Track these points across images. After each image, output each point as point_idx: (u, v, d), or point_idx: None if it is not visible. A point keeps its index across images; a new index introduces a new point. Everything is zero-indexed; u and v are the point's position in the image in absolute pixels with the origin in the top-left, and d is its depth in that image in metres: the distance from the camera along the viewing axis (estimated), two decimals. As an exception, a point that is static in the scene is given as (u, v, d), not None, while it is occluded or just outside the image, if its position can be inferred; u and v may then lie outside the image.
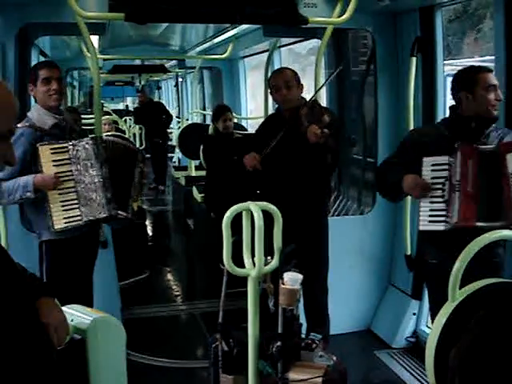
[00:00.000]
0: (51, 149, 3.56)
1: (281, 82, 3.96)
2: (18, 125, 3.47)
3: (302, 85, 4.04)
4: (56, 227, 3.56)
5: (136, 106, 13.43)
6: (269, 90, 4.20)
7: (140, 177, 3.93)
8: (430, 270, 3.19)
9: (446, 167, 3.18)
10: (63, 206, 3.58)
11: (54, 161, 3.56)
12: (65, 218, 3.59)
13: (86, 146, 3.66)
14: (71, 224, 3.61)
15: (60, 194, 3.58)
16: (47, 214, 3.55)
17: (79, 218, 3.64)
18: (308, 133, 3.70)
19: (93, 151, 3.66)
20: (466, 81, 3.26)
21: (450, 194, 3.15)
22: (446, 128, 3.35)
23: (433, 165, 3.21)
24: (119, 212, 3.77)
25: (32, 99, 3.86)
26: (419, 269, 4.70)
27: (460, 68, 3.39)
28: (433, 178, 3.21)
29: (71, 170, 3.63)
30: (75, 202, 3.63)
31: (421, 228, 3.27)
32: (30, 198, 3.51)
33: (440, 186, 3.20)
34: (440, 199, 3.20)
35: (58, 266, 3.66)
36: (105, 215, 3.71)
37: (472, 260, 2.77)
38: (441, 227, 3.15)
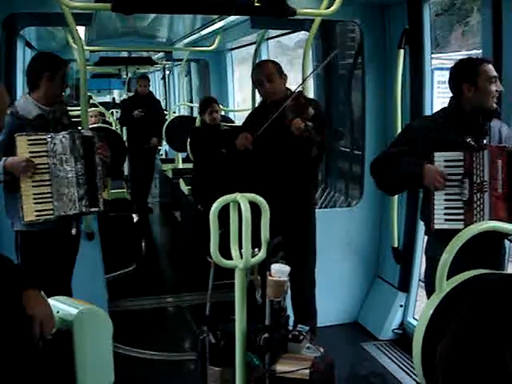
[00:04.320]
0: (29, 140, 3.51)
1: (262, 76, 3.96)
2: None
3: (285, 75, 4.03)
4: (26, 219, 3.52)
5: (128, 96, 11.39)
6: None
7: (102, 163, 3.80)
8: (435, 265, 3.13)
9: (460, 163, 3.12)
10: (35, 198, 3.54)
11: (30, 152, 3.51)
12: (36, 211, 3.54)
13: (63, 139, 3.60)
14: (42, 217, 3.57)
15: (34, 186, 3.53)
16: (19, 205, 3.52)
17: (51, 212, 3.60)
18: (292, 127, 3.70)
19: (68, 145, 3.61)
20: (468, 72, 3.18)
21: (473, 192, 3.09)
22: (447, 121, 3.26)
23: (446, 160, 3.14)
24: (91, 209, 3.74)
25: (18, 89, 3.83)
26: (407, 261, 4.72)
27: (450, 60, 3.35)
28: (447, 174, 3.14)
29: (48, 163, 3.58)
30: (48, 195, 3.59)
31: (436, 227, 3.18)
32: (1, 180, 3.47)
33: (456, 184, 3.13)
34: (456, 197, 3.14)
35: (31, 258, 3.62)
36: (75, 212, 3.67)
37: (478, 252, 2.77)
38: (460, 226, 3.03)
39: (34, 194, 3.54)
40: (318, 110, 3.89)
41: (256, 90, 6.40)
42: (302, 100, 3.84)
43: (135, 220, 8.19)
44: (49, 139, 3.58)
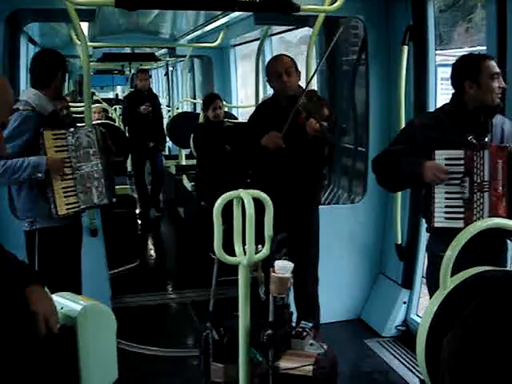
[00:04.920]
0: (53, 134, 3.59)
1: (281, 69, 3.91)
2: (20, 107, 3.48)
3: (299, 72, 4.02)
4: (60, 213, 3.59)
5: (130, 92, 11.06)
6: (266, 78, 4.14)
7: (111, 156, 3.98)
8: (436, 262, 3.12)
9: (461, 162, 3.11)
10: (64, 192, 3.63)
11: (55, 146, 3.59)
12: (66, 205, 3.64)
13: (89, 133, 3.73)
14: (72, 210, 3.67)
15: (61, 180, 3.61)
16: (50, 199, 3.56)
17: (77, 204, 3.70)
18: (307, 127, 3.67)
19: (95, 139, 3.75)
20: (470, 69, 3.14)
21: (474, 192, 3.09)
22: (449, 119, 3.23)
23: (447, 159, 3.12)
24: (113, 200, 3.91)
25: (21, 85, 3.87)
26: (410, 258, 4.71)
27: (454, 57, 3.31)
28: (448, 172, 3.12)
29: (70, 157, 3.66)
30: (73, 188, 3.68)
31: (436, 225, 3.18)
32: (37, 178, 3.51)
33: (457, 182, 3.12)
34: (457, 195, 3.13)
35: (50, 254, 3.66)
36: (106, 202, 3.84)
37: (481, 249, 2.76)
38: (460, 224, 3.04)
39: (63, 188, 3.62)
40: (331, 111, 3.87)
41: (260, 87, 6.47)
42: (317, 99, 3.81)
43: (138, 218, 8.16)
44: (69, 134, 3.67)
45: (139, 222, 8.02)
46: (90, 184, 3.72)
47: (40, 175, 3.49)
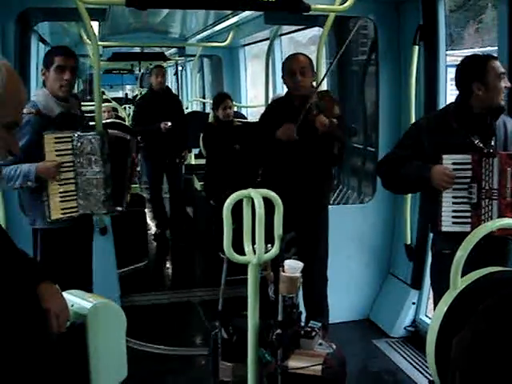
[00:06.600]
0: (56, 138, 3.53)
1: (296, 68, 3.92)
2: (24, 110, 3.45)
3: (315, 73, 4.02)
4: (52, 217, 3.55)
5: (142, 95, 9.88)
6: (280, 74, 4.13)
7: (132, 166, 3.89)
8: (440, 260, 3.11)
9: (469, 166, 3.11)
10: (61, 196, 3.57)
11: (57, 150, 3.53)
12: (62, 209, 3.58)
13: (92, 140, 3.62)
14: (67, 215, 3.61)
15: (60, 184, 3.56)
16: (44, 203, 3.53)
17: (75, 209, 3.64)
18: (316, 122, 3.69)
19: (98, 146, 3.62)
20: (477, 70, 3.11)
21: (482, 198, 3.09)
22: (454, 121, 3.21)
23: (454, 163, 3.11)
24: (117, 208, 3.80)
25: (32, 85, 3.82)
26: (419, 258, 4.70)
27: (461, 57, 3.29)
28: (455, 177, 3.11)
29: (73, 161, 3.60)
30: (73, 193, 3.62)
31: (443, 229, 3.17)
32: (31, 186, 3.49)
33: (464, 187, 3.12)
34: (464, 200, 3.13)
35: (52, 255, 3.63)
36: (103, 212, 3.75)
37: (487, 251, 2.76)
38: (467, 229, 3.03)
39: (60, 192, 3.57)
40: (341, 110, 3.87)
41: (270, 86, 6.47)
42: (327, 98, 3.83)
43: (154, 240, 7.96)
44: (75, 137, 3.59)
45: (154, 243, 7.61)
46: (90, 191, 3.63)
47: (30, 184, 3.46)
